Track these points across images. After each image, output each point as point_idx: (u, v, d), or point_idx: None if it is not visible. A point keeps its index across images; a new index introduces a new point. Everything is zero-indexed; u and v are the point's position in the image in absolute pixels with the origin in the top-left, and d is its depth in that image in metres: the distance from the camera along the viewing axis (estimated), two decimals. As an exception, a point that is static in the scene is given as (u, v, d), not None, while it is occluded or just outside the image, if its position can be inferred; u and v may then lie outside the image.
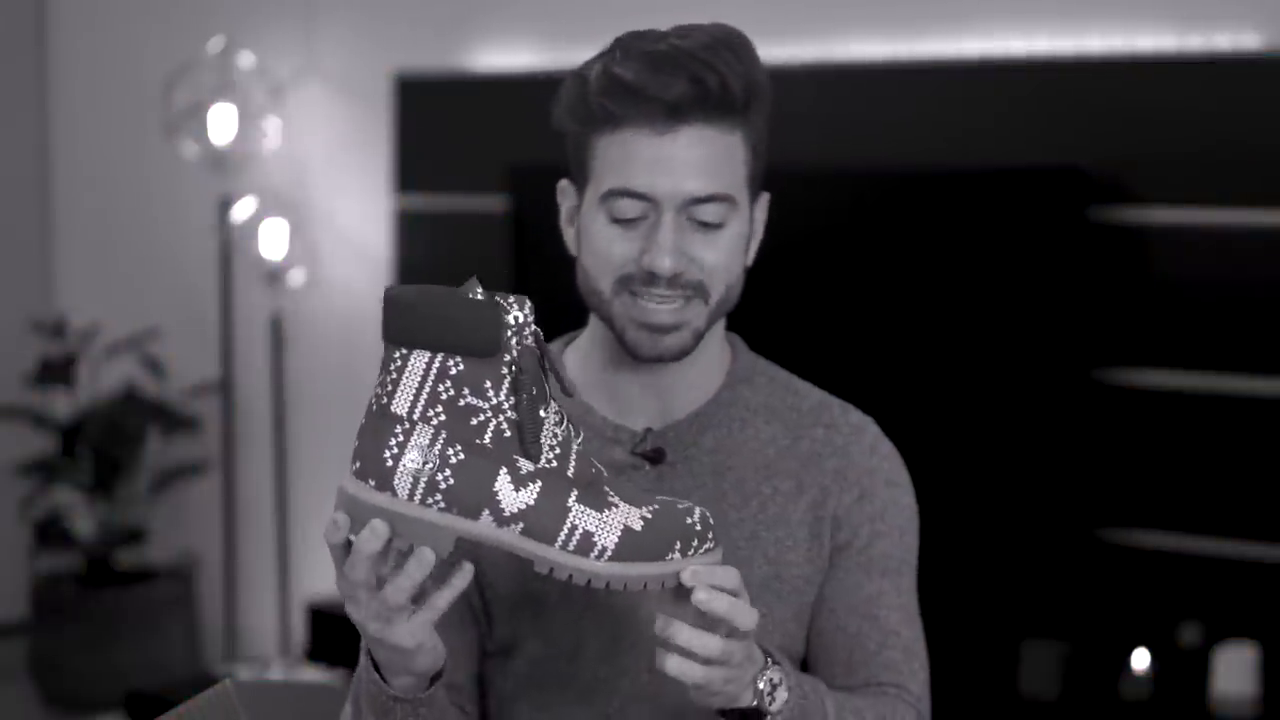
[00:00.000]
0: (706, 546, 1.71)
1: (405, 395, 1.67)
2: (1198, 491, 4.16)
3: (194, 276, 5.86)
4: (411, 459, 1.67)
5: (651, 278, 1.90)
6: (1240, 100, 4.09)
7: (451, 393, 1.67)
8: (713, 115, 1.89)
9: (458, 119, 5.21)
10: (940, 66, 4.45)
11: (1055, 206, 4.16)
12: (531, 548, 1.68)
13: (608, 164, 1.91)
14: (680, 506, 1.70)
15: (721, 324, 2.04)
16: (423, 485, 1.67)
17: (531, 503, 1.67)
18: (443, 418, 1.67)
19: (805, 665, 2.06)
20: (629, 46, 1.90)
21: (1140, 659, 4.12)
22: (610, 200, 1.91)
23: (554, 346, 2.10)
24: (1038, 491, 4.20)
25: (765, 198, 2.03)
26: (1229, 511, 4.14)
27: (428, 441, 1.67)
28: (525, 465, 1.67)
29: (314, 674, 4.77)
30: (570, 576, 1.68)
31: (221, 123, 5.52)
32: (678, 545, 1.69)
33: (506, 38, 5.17)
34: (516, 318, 1.67)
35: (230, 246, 5.59)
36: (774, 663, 1.80)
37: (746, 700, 1.78)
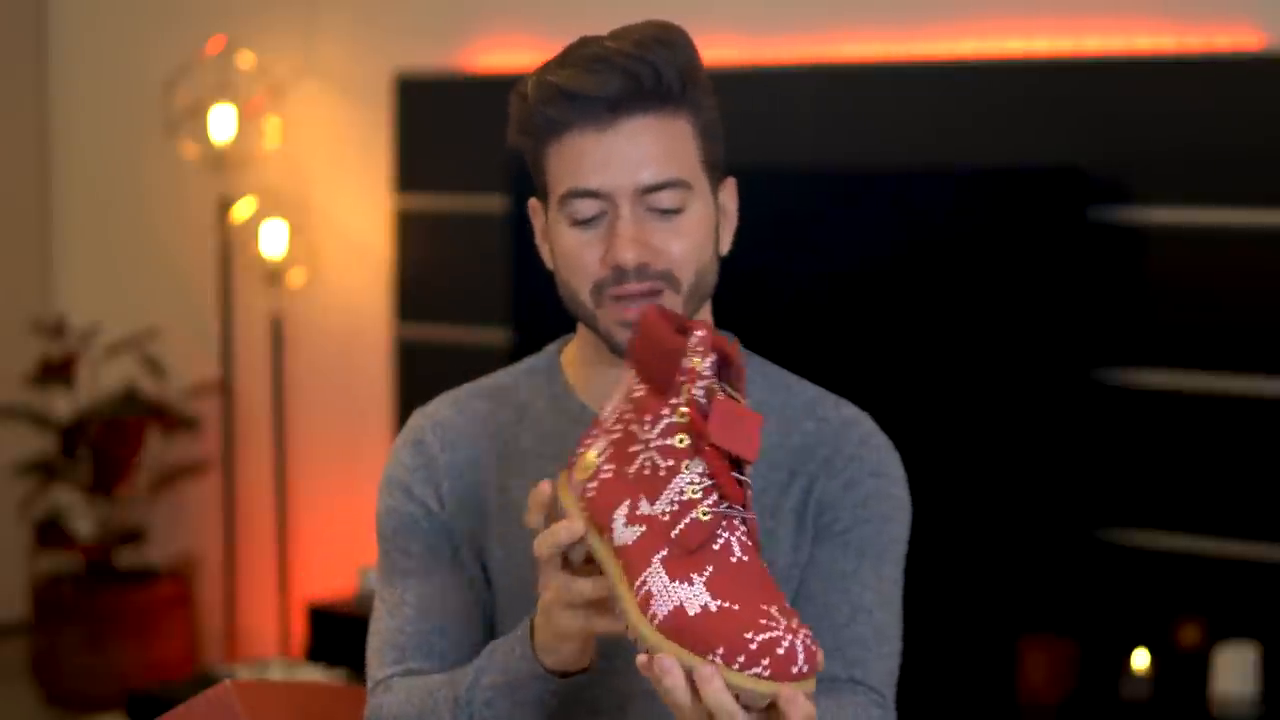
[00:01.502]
0: (755, 671, 1.60)
1: (612, 404, 1.75)
2: (1197, 491, 4.16)
3: (194, 276, 5.85)
4: (585, 459, 1.73)
5: (619, 273, 1.91)
6: (1239, 100, 4.09)
7: (631, 414, 1.71)
8: (651, 105, 1.91)
9: (458, 119, 5.21)
10: (939, 67, 4.44)
11: (1054, 206, 4.15)
12: (617, 583, 1.70)
13: (559, 170, 1.93)
14: (762, 621, 1.61)
15: (710, 321, 2.05)
16: (579, 487, 1.73)
17: (630, 542, 1.68)
18: (618, 434, 1.72)
19: None
20: (564, 55, 1.94)
21: (1140, 659, 4.11)
22: (567, 204, 1.93)
23: (550, 350, 2.11)
24: (1037, 491, 4.20)
25: (731, 183, 2.04)
26: (1229, 511, 4.13)
27: (598, 451, 1.72)
28: (645, 506, 1.68)
29: (314, 674, 4.76)
30: (626, 626, 1.69)
31: (222, 123, 5.51)
32: (720, 650, 1.60)
33: (506, 38, 5.17)
34: (696, 366, 1.67)
35: (230, 246, 5.59)
36: None
37: None
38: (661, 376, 1.68)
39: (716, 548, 1.66)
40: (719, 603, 1.63)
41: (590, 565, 1.75)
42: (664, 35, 1.92)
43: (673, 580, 1.65)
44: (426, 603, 2.00)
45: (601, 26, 4.91)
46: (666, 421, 1.68)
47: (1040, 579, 4.23)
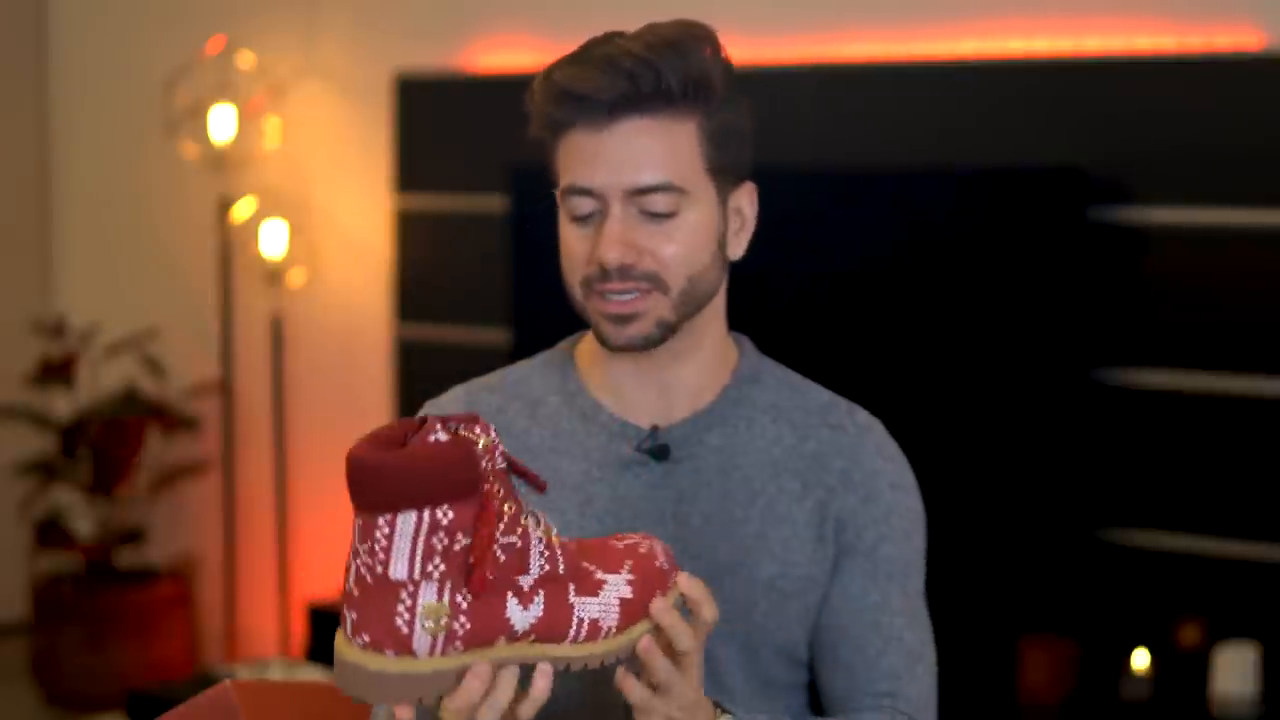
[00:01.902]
0: (673, 581, 1.76)
1: (401, 559, 1.63)
2: (1197, 491, 4.15)
3: (194, 277, 5.84)
4: (425, 619, 1.63)
5: (603, 272, 1.92)
6: (1239, 100, 4.08)
7: (446, 542, 1.63)
8: (651, 108, 1.92)
9: (458, 119, 5.20)
10: (940, 67, 4.44)
11: (1055, 206, 4.14)
12: (545, 651, 1.69)
13: (563, 166, 1.96)
14: (642, 550, 1.75)
15: (720, 321, 2.05)
16: (441, 639, 1.64)
17: (540, 614, 1.68)
18: (442, 568, 1.64)
19: (809, 666, 2.05)
20: (576, 53, 1.95)
21: (1140, 658, 4.11)
22: (567, 199, 1.95)
23: (562, 347, 2.12)
24: (1038, 491, 4.19)
25: (749, 188, 2.04)
26: (1229, 511, 4.12)
27: (434, 597, 1.63)
28: (525, 581, 1.67)
29: (314, 674, 4.75)
30: (585, 665, 1.71)
31: (222, 123, 5.50)
32: (658, 593, 1.74)
33: (506, 38, 5.16)
34: (485, 443, 1.65)
35: (230, 246, 5.58)
36: (725, 711, 1.83)
37: None
38: (465, 482, 1.63)
39: (574, 547, 1.73)
40: (624, 571, 1.73)
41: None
42: (680, 38, 1.92)
43: (597, 594, 1.71)
44: None
45: (602, 28, 4.90)
46: (501, 506, 1.65)
47: (1041, 579, 4.22)
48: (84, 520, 5.94)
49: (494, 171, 5.06)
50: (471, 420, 1.66)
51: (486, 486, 1.64)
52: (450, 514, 1.62)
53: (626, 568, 1.72)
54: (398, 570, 1.62)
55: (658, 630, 1.73)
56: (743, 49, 4.72)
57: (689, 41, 1.92)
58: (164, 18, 5.87)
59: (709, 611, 1.73)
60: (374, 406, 5.48)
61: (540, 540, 1.68)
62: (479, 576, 1.64)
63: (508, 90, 5.07)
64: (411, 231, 5.31)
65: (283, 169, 5.62)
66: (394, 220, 5.35)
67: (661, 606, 1.71)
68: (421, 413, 2.09)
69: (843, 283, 4.37)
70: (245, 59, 5.56)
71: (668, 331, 1.95)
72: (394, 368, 5.38)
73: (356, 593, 1.63)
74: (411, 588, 1.63)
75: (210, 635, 5.90)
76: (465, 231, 5.19)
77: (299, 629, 5.59)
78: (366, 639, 1.63)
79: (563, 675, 2.00)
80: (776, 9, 4.71)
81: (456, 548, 1.64)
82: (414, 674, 1.64)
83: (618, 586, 1.71)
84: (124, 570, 5.78)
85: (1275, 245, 4.05)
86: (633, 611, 1.72)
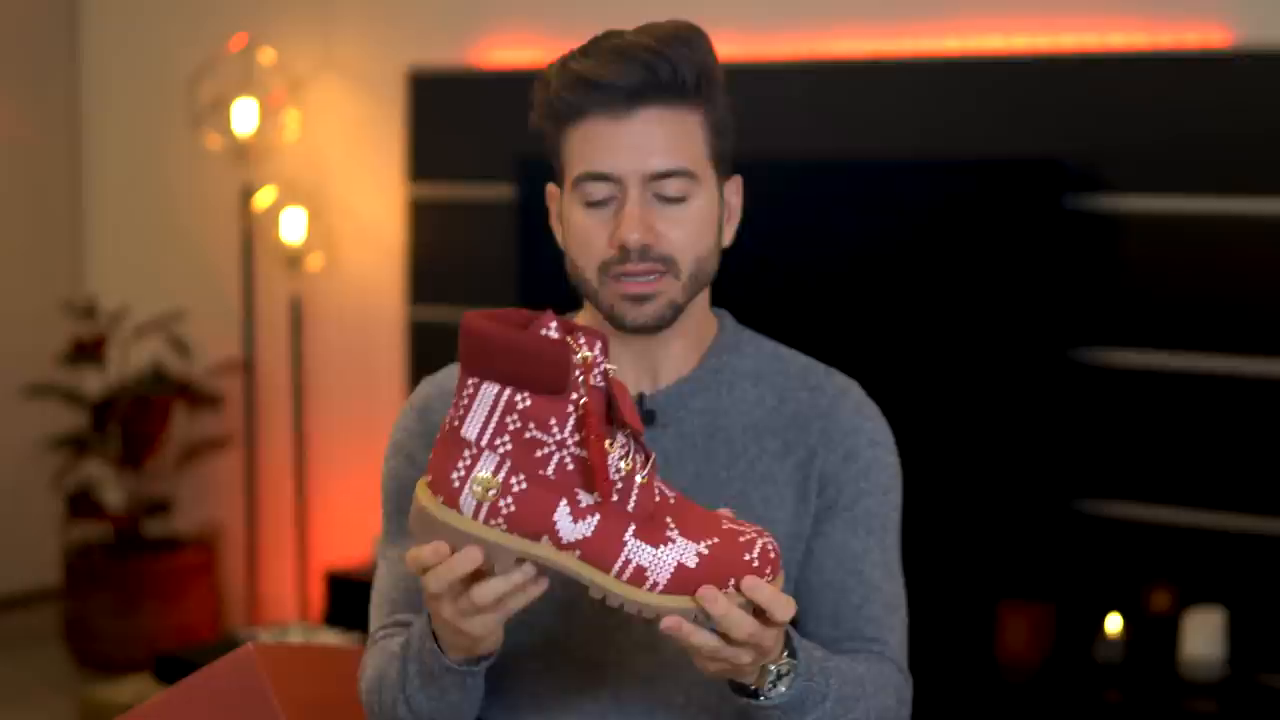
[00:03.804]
0: (767, 577, 1.68)
1: (475, 422, 1.65)
2: (1168, 464, 4.16)
3: (218, 261, 5.85)
4: (476, 483, 1.64)
5: (624, 253, 1.91)
6: (1208, 95, 4.08)
7: (518, 425, 1.64)
8: (665, 98, 1.91)
9: (468, 112, 5.20)
10: (924, 63, 4.44)
11: (1033, 195, 4.15)
12: (588, 573, 1.66)
13: (576, 154, 1.94)
14: (743, 539, 1.67)
15: (705, 298, 2.05)
16: (485, 508, 1.64)
17: (589, 534, 1.65)
18: (509, 447, 1.64)
19: (792, 622, 2.04)
20: (588, 46, 1.95)
21: (1113, 623, 4.11)
22: (580, 186, 1.93)
23: None
24: (1017, 464, 4.20)
25: (738, 180, 2.04)
26: (1198, 483, 4.13)
27: (492, 469, 1.64)
28: (585, 498, 1.65)
29: (332, 638, 4.77)
30: (622, 605, 1.66)
31: (244, 116, 5.50)
32: (732, 582, 1.66)
33: (515, 35, 5.16)
34: (586, 357, 1.64)
35: (252, 233, 5.58)
36: (790, 654, 1.78)
37: (748, 680, 1.77)
38: (550, 379, 1.63)
39: (658, 500, 1.68)
40: (705, 544, 1.66)
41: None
42: (685, 34, 1.93)
43: (658, 546, 1.66)
44: None
45: (607, 25, 4.89)
46: (575, 417, 1.64)
47: (1019, 547, 4.23)
48: (114, 492, 5.95)
49: (502, 162, 5.06)
50: (593, 336, 1.65)
51: (574, 395, 1.63)
52: (528, 402, 1.63)
53: (707, 543, 1.66)
54: (469, 430, 1.65)
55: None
56: (735, 46, 4.72)
57: (693, 37, 1.93)
58: (189, 16, 5.87)
59: (780, 613, 1.68)
60: (388, 384, 5.49)
61: (620, 470, 1.65)
62: (522, 467, 1.64)
63: (516, 85, 5.07)
64: (424, 218, 5.32)
65: (302, 159, 5.62)
66: (407, 208, 5.35)
67: (711, 594, 1.65)
68: (420, 388, 2.09)
69: (831, 267, 4.37)
70: (266, 55, 5.56)
71: (677, 313, 1.96)
72: (407, 347, 5.38)
73: (440, 435, 1.67)
74: (475, 451, 1.64)
75: (233, 601, 5.90)
76: (475, 218, 5.19)
77: (317, 595, 5.60)
78: (430, 478, 1.66)
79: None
80: (771, 8, 4.71)
81: (526, 435, 1.64)
82: (451, 525, 1.65)
83: (684, 552, 1.65)
84: (151, 539, 5.79)
85: (1241, 231, 4.05)
86: (688, 581, 1.65)
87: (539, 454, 1.64)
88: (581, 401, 1.64)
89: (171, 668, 4.59)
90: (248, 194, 5.54)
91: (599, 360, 1.64)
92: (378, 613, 2.03)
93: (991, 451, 4.23)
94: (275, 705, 2.22)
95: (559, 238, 2.03)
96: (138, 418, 5.67)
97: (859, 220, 4.35)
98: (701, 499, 1.98)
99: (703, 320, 2.06)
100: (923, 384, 4.27)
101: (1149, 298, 4.16)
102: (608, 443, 1.65)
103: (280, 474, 5.73)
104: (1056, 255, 4.13)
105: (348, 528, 5.57)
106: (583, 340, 1.64)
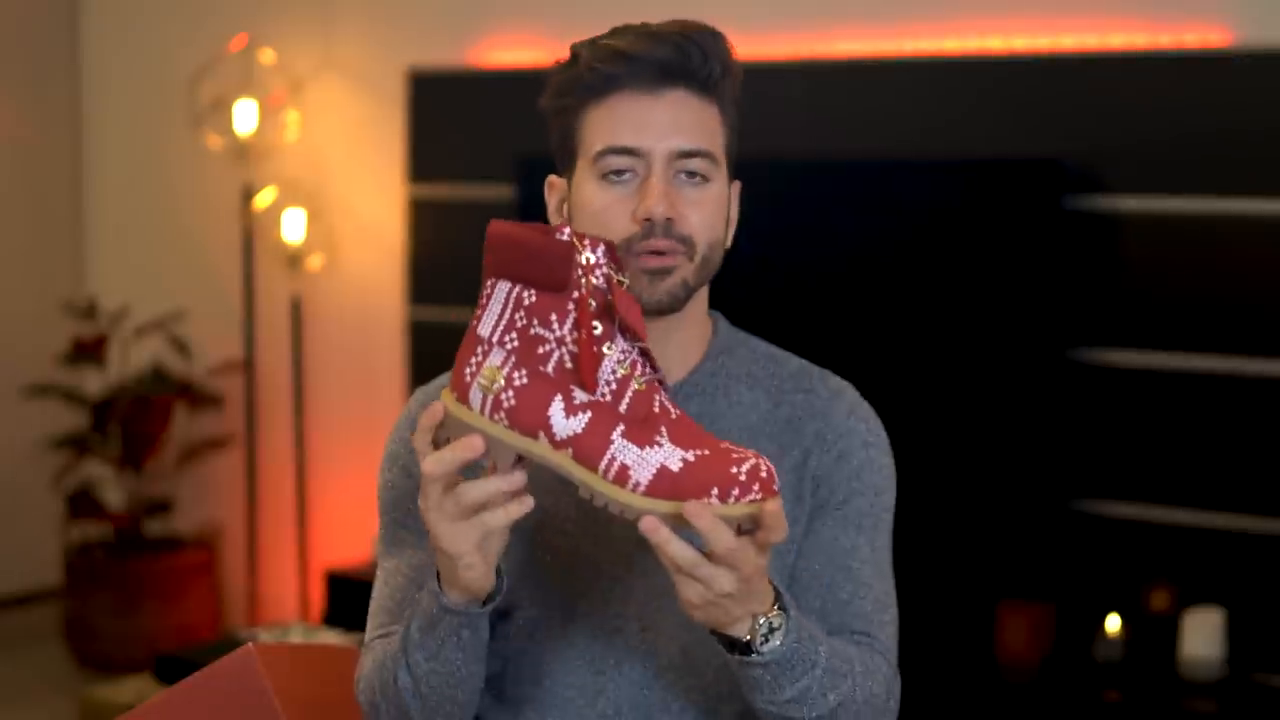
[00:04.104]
0: (751, 496, 1.65)
1: (490, 320, 1.72)
2: (1168, 464, 4.15)
3: (218, 261, 5.84)
4: (484, 375, 1.70)
5: (648, 227, 1.90)
6: (1207, 95, 4.08)
7: (524, 321, 1.70)
8: (693, 84, 1.94)
9: (468, 113, 5.20)
10: (924, 64, 4.43)
11: (1033, 196, 4.14)
12: (579, 473, 1.68)
13: (598, 129, 1.93)
14: (735, 455, 1.66)
15: (704, 298, 2.05)
16: (490, 401, 1.69)
17: (579, 430, 1.67)
18: (515, 343, 1.70)
19: None
20: (616, 29, 1.97)
21: (1113, 622, 4.11)
22: (601, 159, 1.93)
23: None
24: (1016, 464, 4.19)
25: (738, 185, 2.05)
26: (1197, 483, 4.13)
27: (499, 363, 1.70)
28: (580, 395, 1.68)
29: (332, 638, 4.76)
30: (606, 505, 1.67)
31: (244, 116, 5.50)
32: (715, 490, 1.65)
33: (514, 36, 5.16)
34: (588, 258, 1.69)
35: (253, 233, 5.58)
36: (781, 609, 1.77)
37: (739, 632, 1.75)
38: (554, 277, 1.69)
39: (657, 410, 1.69)
40: (692, 452, 1.67)
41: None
42: (710, 30, 1.97)
43: (643, 448, 1.67)
44: (420, 573, 1.99)
45: (607, 26, 4.89)
46: (575, 315, 1.68)
47: (1019, 547, 4.22)
48: (114, 492, 5.94)
49: (502, 162, 5.05)
50: (599, 243, 1.70)
51: (575, 293, 1.68)
52: (533, 298, 1.70)
53: (695, 452, 1.67)
54: (484, 328, 1.73)
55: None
56: (739, 45, 4.71)
57: (718, 34, 1.97)
58: (189, 17, 5.87)
59: (775, 535, 1.66)
60: (388, 383, 5.48)
61: (615, 373, 1.68)
62: (525, 362, 1.69)
63: (516, 85, 5.06)
64: (423, 219, 5.31)
65: (302, 160, 5.61)
66: (407, 208, 5.35)
67: (696, 507, 1.64)
68: (414, 398, 2.09)
69: (832, 267, 4.37)
70: (266, 56, 5.56)
71: (688, 294, 1.95)
72: (407, 347, 5.38)
73: (464, 337, 1.74)
74: (486, 348, 1.72)
75: (233, 600, 5.90)
76: (474, 218, 5.19)
77: (317, 594, 5.59)
78: (450, 376, 1.73)
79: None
80: (768, 8, 4.71)
81: (531, 331, 1.70)
82: (461, 420, 1.71)
83: (669, 455, 1.66)
84: (152, 539, 5.79)
85: (1241, 231, 4.05)
86: (669, 485, 1.65)
87: (541, 350, 1.69)
88: (580, 299, 1.68)
89: (171, 668, 4.59)
90: (248, 194, 5.54)
91: (601, 263, 1.69)
92: (373, 621, 2.02)
93: (991, 451, 4.22)
94: (275, 705, 2.22)
95: None
96: (138, 418, 5.67)
97: (858, 220, 4.35)
98: None
99: (701, 321, 2.06)
100: (922, 384, 4.26)
101: (1149, 298, 4.16)
102: (607, 346, 1.68)
103: (280, 474, 5.73)
104: (1056, 256, 4.13)
105: (348, 528, 5.56)
106: (587, 242, 1.69)
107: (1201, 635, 4.01)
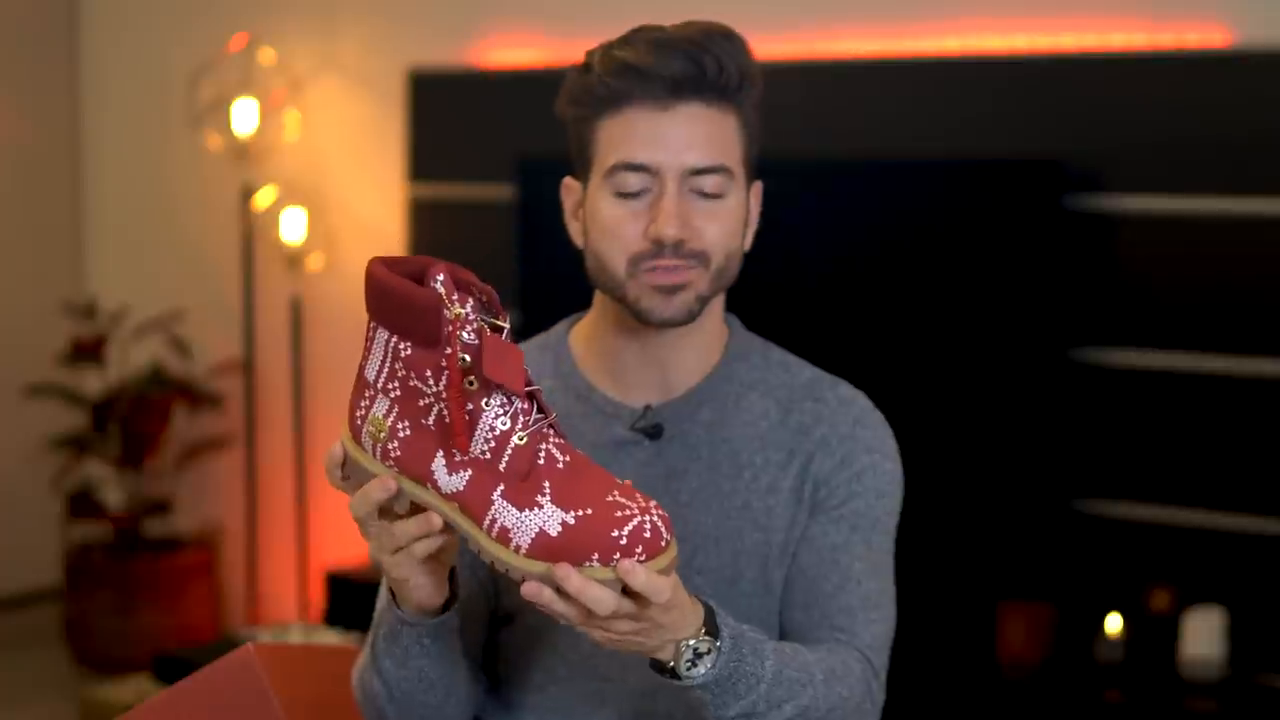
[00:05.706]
0: (636, 558, 1.61)
1: (374, 365, 1.69)
2: (1169, 464, 4.15)
3: (218, 261, 5.84)
4: (371, 423, 1.68)
5: (658, 246, 1.88)
6: (1207, 95, 4.08)
7: (404, 372, 1.66)
8: (708, 95, 1.89)
9: (468, 112, 5.19)
10: (925, 64, 4.43)
11: (1033, 196, 4.14)
12: (465, 525, 1.66)
13: (611, 143, 1.91)
14: (620, 514, 1.62)
15: (721, 302, 2.04)
16: (379, 450, 1.68)
17: (461, 488, 1.65)
18: (397, 393, 1.67)
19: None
20: (632, 35, 1.92)
21: (1114, 623, 4.11)
22: (614, 175, 1.90)
23: (558, 329, 2.09)
24: (1017, 464, 4.19)
25: (759, 186, 2.02)
26: (1198, 483, 4.12)
27: (383, 413, 1.68)
28: (460, 453, 1.65)
29: (331, 637, 4.76)
30: (493, 563, 1.65)
31: (244, 116, 5.50)
32: (595, 556, 1.61)
33: (515, 36, 5.15)
34: (458, 313, 1.64)
35: (252, 232, 5.57)
36: (709, 634, 1.73)
37: (664, 657, 1.73)
38: (424, 331, 1.64)
39: (542, 462, 1.64)
40: (574, 513, 1.62)
41: (413, 509, 1.71)
42: (727, 32, 1.91)
43: (522, 510, 1.63)
44: None
45: (608, 26, 4.88)
46: (447, 373, 1.64)
47: (1019, 547, 4.22)
48: (114, 492, 5.94)
49: (502, 162, 5.05)
50: (472, 292, 1.66)
51: (447, 349, 1.63)
52: (408, 350, 1.66)
53: (575, 513, 1.62)
54: (369, 371, 1.70)
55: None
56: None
57: (735, 36, 1.92)
58: (189, 16, 5.87)
59: (655, 597, 1.62)
60: (388, 384, 5.47)
61: (494, 430, 1.64)
62: (407, 413, 1.67)
63: (515, 85, 5.06)
64: (424, 219, 5.31)
65: (302, 159, 5.61)
66: (407, 208, 5.35)
67: (564, 571, 1.60)
68: None
69: (833, 267, 4.37)
70: (266, 55, 5.56)
71: (702, 305, 1.94)
72: (407, 348, 5.37)
73: (356, 376, 1.72)
74: (372, 393, 1.69)
75: (233, 601, 5.90)
76: (475, 219, 5.19)
77: (317, 595, 5.59)
78: (347, 415, 1.72)
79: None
80: (768, 8, 4.71)
81: (410, 383, 1.66)
82: (359, 463, 1.70)
83: (548, 519, 1.62)
84: (151, 539, 5.78)
85: (1241, 231, 4.04)
86: (549, 548, 1.62)
87: (421, 403, 1.66)
88: (459, 355, 1.64)
89: (171, 668, 4.59)
90: (248, 194, 5.53)
91: (471, 318, 1.64)
92: (373, 630, 2.02)
93: (991, 452, 4.22)
94: (275, 705, 2.21)
95: (574, 233, 2.00)
96: (138, 418, 5.66)
97: (858, 220, 4.34)
98: (706, 510, 1.96)
99: (717, 327, 2.05)
100: (922, 384, 4.26)
101: (1149, 298, 4.16)
102: (485, 401, 1.64)
103: (280, 474, 5.72)
104: (1056, 255, 4.13)
105: (348, 528, 5.54)
106: (456, 297, 1.64)
107: (1202, 635, 4.01)
